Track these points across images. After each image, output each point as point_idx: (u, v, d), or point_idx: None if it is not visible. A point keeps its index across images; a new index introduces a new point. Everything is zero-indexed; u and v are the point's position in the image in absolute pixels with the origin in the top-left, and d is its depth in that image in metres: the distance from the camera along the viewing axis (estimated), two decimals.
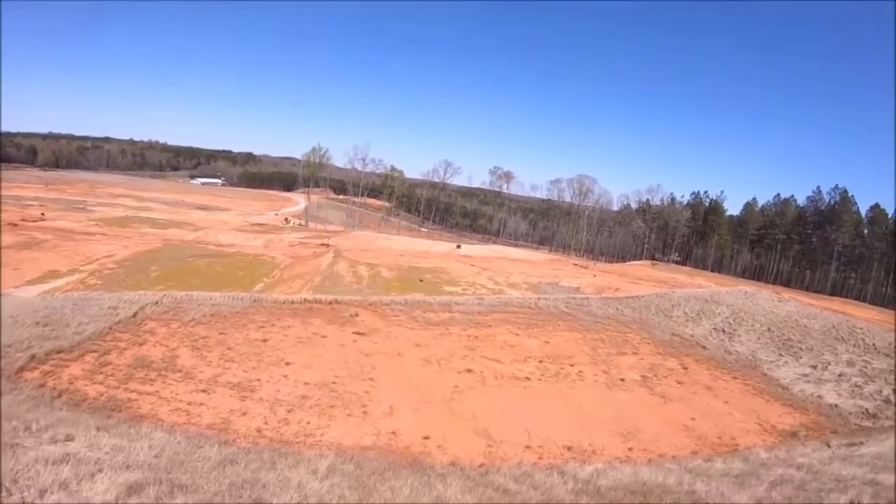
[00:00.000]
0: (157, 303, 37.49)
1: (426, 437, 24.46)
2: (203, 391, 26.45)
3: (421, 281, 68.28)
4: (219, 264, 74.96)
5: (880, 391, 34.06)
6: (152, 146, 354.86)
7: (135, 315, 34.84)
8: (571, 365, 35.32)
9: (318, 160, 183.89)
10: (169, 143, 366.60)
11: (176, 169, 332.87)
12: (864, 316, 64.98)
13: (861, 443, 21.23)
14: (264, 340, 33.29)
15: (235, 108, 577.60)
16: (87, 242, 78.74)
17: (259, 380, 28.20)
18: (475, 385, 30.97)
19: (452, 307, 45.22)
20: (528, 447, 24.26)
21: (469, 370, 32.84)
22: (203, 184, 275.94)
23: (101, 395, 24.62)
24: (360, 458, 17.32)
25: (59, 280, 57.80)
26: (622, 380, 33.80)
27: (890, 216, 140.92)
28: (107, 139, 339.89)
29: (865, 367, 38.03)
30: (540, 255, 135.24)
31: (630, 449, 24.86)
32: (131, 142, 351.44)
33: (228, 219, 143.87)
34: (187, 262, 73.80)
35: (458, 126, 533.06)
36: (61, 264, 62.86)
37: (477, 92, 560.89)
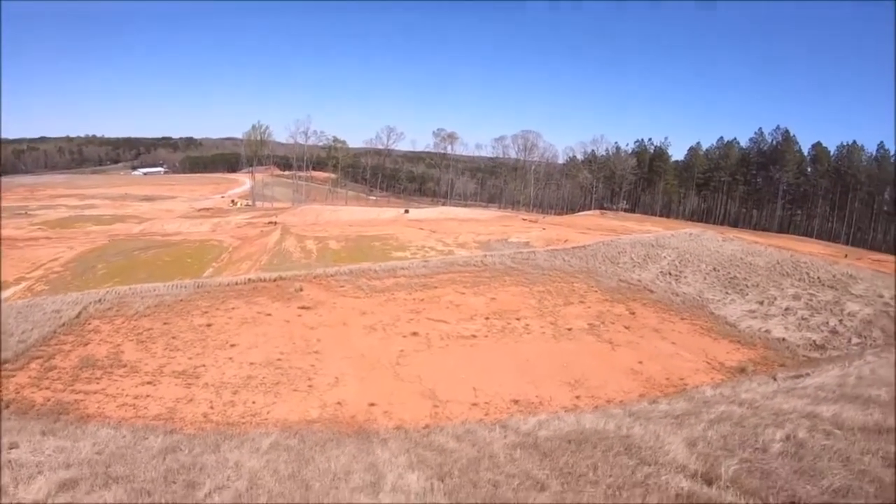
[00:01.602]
0: (100, 301, 36.27)
1: (372, 404, 24.07)
2: (149, 383, 25.71)
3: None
4: (166, 254, 72.71)
5: (826, 322, 34.43)
6: (90, 141, 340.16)
7: (78, 315, 33.68)
8: (518, 319, 35.00)
9: (258, 138, 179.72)
10: (107, 135, 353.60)
11: (116, 162, 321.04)
12: (808, 250, 66.17)
13: (807, 374, 20.97)
14: (209, 325, 32.54)
15: (170, 93, 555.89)
16: (31, 248, 75.53)
17: (204, 365, 27.52)
18: (421, 348, 30.51)
19: (398, 272, 44.63)
20: (474, 405, 23.94)
21: (415, 333, 32.34)
22: (145, 174, 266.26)
23: (48, 401, 23.82)
24: (305, 431, 17.28)
25: (8, 291, 55.28)
26: (569, 329, 33.56)
27: (831, 154, 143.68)
28: (42, 139, 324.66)
29: (811, 300, 38.43)
30: (489, 213, 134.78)
31: (577, 397, 24.59)
32: (68, 139, 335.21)
33: (174, 207, 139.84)
34: (133, 256, 71.30)
35: (397, 91, 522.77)
36: (7, 274, 60.05)
37: (413, 54, 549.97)
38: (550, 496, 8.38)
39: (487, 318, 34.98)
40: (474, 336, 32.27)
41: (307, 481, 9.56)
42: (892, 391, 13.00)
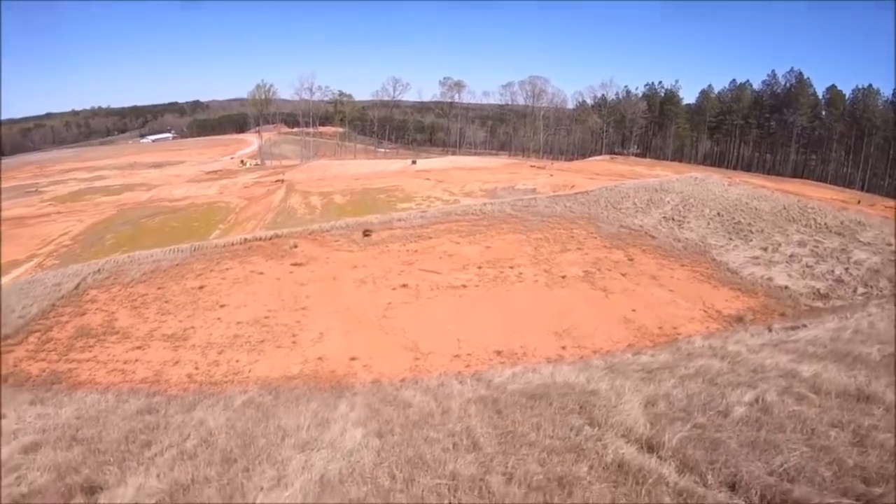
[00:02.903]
0: (98, 271, 36.11)
1: (353, 358, 23.71)
2: (138, 348, 25.74)
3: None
4: (173, 220, 72.65)
5: (832, 271, 33.26)
6: (96, 113, 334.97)
7: (77, 287, 33.58)
8: (511, 267, 34.25)
9: (263, 96, 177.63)
10: (113, 106, 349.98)
11: (124, 131, 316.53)
12: (820, 196, 64.81)
13: (803, 326, 20.20)
14: (201, 287, 32.32)
15: (173, 58, 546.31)
16: (42, 225, 75.53)
17: (193, 327, 27.46)
18: (409, 300, 29.96)
19: (394, 224, 43.94)
20: (456, 356, 23.40)
21: (404, 285, 31.77)
22: (154, 141, 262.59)
23: (43, 371, 23.99)
24: (282, 387, 17.19)
25: (19, 269, 55.13)
26: (563, 277, 32.74)
27: (847, 97, 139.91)
28: (48, 115, 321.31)
29: (817, 247, 37.24)
30: (497, 161, 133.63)
31: (563, 348, 23.90)
32: (73, 113, 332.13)
33: (183, 171, 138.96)
34: (141, 224, 71.20)
35: (401, 40, 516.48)
36: (18, 253, 60.07)
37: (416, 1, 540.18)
38: (476, 458, 7.90)
39: (480, 268, 34.24)
40: (464, 286, 31.59)
41: (255, 438, 9.55)
42: (886, 349, 12.22)
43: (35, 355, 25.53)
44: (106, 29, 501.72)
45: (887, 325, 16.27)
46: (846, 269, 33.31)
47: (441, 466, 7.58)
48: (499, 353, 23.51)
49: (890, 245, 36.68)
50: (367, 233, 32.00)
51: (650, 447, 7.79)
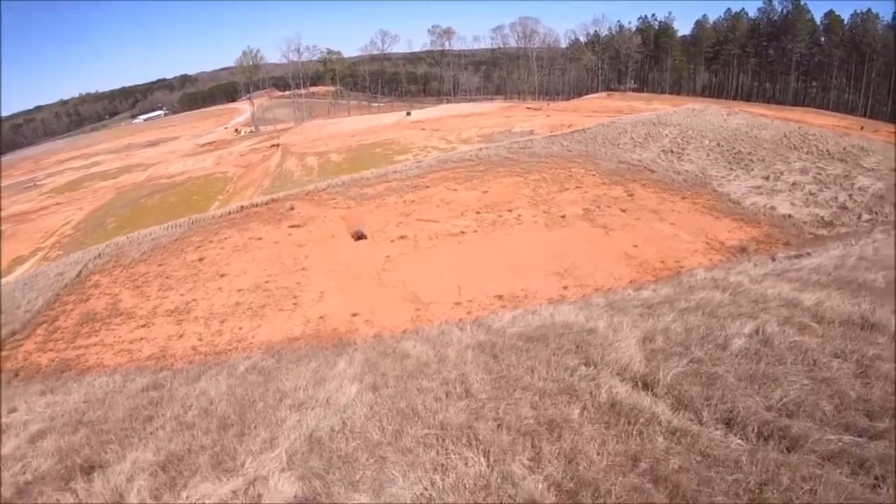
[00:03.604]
0: (99, 255, 36.08)
1: (354, 314, 23.72)
2: (143, 326, 25.83)
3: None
4: (172, 196, 72.53)
5: (835, 198, 32.76)
6: (84, 99, 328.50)
7: (79, 274, 33.55)
8: (510, 211, 33.93)
9: (251, 63, 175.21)
10: (101, 90, 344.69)
11: (115, 114, 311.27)
12: (822, 123, 63.74)
13: (807, 254, 20.01)
14: (200, 259, 32.29)
15: (156, 34, 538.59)
16: (43, 218, 75.68)
17: (195, 300, 27.50)
18: (407, 251, 29.79)
19: (389, 177, 43.62)
20: (457, 304, 23.30)
21: (402, 237, 31.56)
22: (146, 120, 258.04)
23: (53, 361, 24.06)
24: (285, 350, 17.37)
25: (25, 265, 55.23)
26: (562, 217, 32.43)
27: (845, 22, 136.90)
28: (37, 108, 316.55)
29: (819, 174, 36.63)
30: (493, 106, 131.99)
31: (565, 287, 23.74)
32: (62, 102, 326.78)
33: (178, 147, 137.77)
34: (140, 204, 71.16)
35: None
36: (23, 248, 60.26)
37: None
38: (468, 405, 7.78)
39: (478, 213, 33.95)
40: (463, 233, 31.38)
41: (254, 402, 9.52)
42: (890, 276, 11.89)
43: (43, 346, 25.57)
44: (85, 14, 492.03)
45: (892, 251, 15.86)
46: (850, 195, 32.80)
47: (432, 416, 7.51)
48: (500, 297, 23.38)
49: (894, 170, 35.99)
50: (358, 236, 30.89)
51: (645, 385, 7.58)
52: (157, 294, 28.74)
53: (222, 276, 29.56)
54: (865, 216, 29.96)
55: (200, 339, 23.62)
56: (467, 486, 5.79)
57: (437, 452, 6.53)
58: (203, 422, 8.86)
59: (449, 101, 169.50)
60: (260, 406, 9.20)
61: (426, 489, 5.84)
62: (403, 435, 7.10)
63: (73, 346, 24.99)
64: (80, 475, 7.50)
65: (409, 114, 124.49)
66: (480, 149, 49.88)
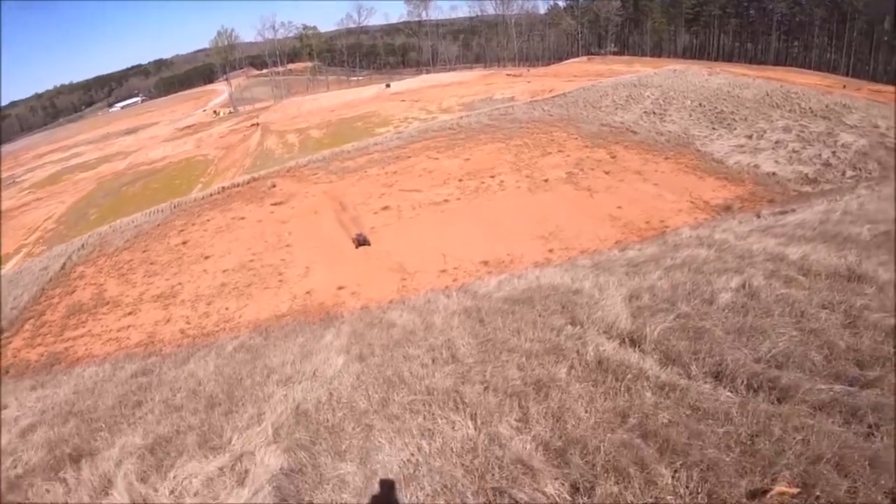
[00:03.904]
0: (82, 247, 35.82)
1: (340, 288, 23.64)
2: (130, 314, 25.66)
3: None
4: (153, 182, 71.27)
5: (819, 155, 32.62)
6: (59, 91, 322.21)
7: (63, 267, 33.26)
8: (492, 177, 33.79)
9: (226, 43, 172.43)
10: (75, 81, 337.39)
11: (91, 104, 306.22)
12: (802, 82, 63.52)
13: (793, 210, 19.99)
14: (184, 243, 32.18)
15: (127, 19, 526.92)
16: (25, 214, 74.30)
17: (180, 283, 27.40)
18: (391, 221, 29.65)
19: (371, 149, 43.53)
20: (443, 272, 23.22)
21: (386, 208, 31.41)
22: (123, 108, 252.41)
23: (42, 356, 23.86)
24: (273, 327, 17.46)
25: (10, 262, 54.25)
26: (546, 181, 32.29)
27: None
28: (12, 104, 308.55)
29: (802, 132, 36.42)
30: (472, 74, 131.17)
31: (550, 251, 23.68)
32: (37, 96, 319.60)
33: (157, 133, 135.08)
34: (122, 193, 69.92)
35: None
36: (6, 247, 58.90)
37: None
38: (454, 370, 7.78)
39: (461, 181, 33.79)
40: (446, 201, 31.22)
41: (241, 380, 9.58)
42: (875, 229, 11.88)
43: (32, 342, 25.38)
44: (53, 3, 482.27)
45: (877, 206, 15.86)
46: (833, 152, 32.69)
47: (418, 382, 7.51)
48: (485, 263, 23.32)
49: (877, 127, 35.95)
50: (360, 242, 28.59)
51: (632, 341, 7.54)
52: (143, 280, 28.57)
53: (207, 257, 29.42)
54: (849, 172, 29.92)
55: (188, 323, 23.53)
56: (454, 449, 5.79)
57: (424, 418, 6.53)
58: (191, 403, 8.88)
59: (428, 72, 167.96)
60: (247, 383, 9.20)
61: (413, 455, 5.84)
62: (390, 402, 7.10)
63: (61, 339, 24.83)
64: (68, 464, 7.48)
65: (388, 86, 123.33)
66: (461, 117, 49.72)
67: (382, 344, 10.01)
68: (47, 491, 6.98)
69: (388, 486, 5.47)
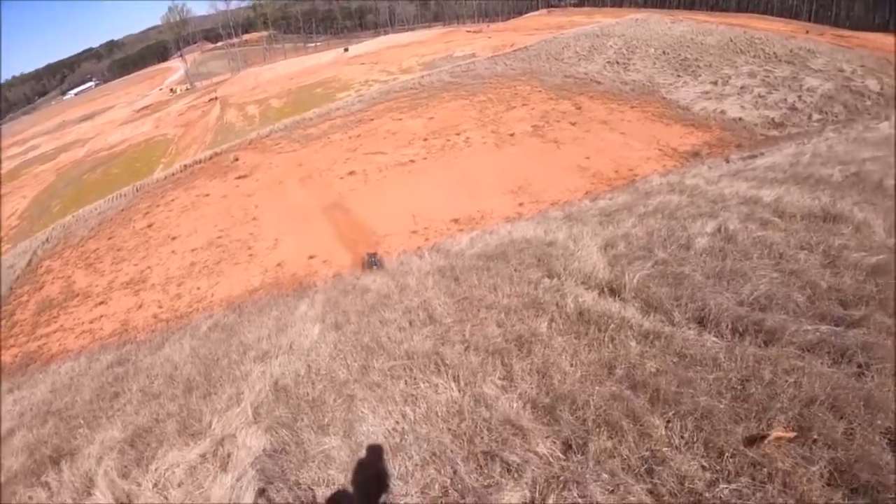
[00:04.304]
0: (46, 240, 35.03)
1: (311, 257, 23.37)
2: (101, 304, 25.09)
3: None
4: (114, 167, 69.01)
5: (785, 99, 32.71)
6: (10, 84, 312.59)
7: (29, 263, 32.49)
8: (457, 134, 33.50)
9: (178, 18, 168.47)
10: (25, 72, 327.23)
11: (44, 94, 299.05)
12: (765, 27, 63.51)
13: (761, 154, 20.13)
14: (150, 226, 31.56)
15: (76, 3, 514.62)
16: None
17: (149, 267, 26.85)
18: (357, 186, 29.27)
19: (333, 114, 43.08)
20: (413, 232, 23.07)
21: (352, 172, 30.97)
22: (77, 94, 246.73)
23: (16, 357, 23.27)
24: (246, 303, 17.31)
25: None
26: (512, 135, 32.09)
27: None
28: None
29: (768, 77, 36.47)
30: (432, 33, 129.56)
31: (521, 205, 23.57)
32: None
33: (114, 116, 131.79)
34: (83, 181, 67.73)
35: None
36: None
37: None
38: (433, 331, 7.60)
39: (426, 140, 33.51)
40: (412, 161, 30.96)
41: (218, 360, 9.33)
42: (846, 170, 11.95)
43: (4, 343, 24.79)
44: None
45: (846, 148, 15.98)
46: (799, 96, 32.79)
47: (396, 347, 7.34)
48: (456, 221, 23.19)
49: (842, 71, 36.05)
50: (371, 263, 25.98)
51: (611, 291, 7.44)
52: (111, 268, 27.99)
53: (174, 238, 28.96)
54: (816, 116, 30.04)
55: (160, 307, 23.15)
56: (440, 413, 5.67)
57: (406, 383, 6.39)
58: (169, 389, 8.68)
59: (387, 33, 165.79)
60: (224, 363, 8.98)
61: (398, 423, 5.72)
62: (370, 370, 6.93)
63: (34, 338, 24.31)
64: (49, 466, 7.24)
65: (346, 50, 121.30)
66: (422, 76, 49.26)
67: (357, 310, 9.81)
68: (30, 498, 6.76)
69: (375, 458, 5.35)
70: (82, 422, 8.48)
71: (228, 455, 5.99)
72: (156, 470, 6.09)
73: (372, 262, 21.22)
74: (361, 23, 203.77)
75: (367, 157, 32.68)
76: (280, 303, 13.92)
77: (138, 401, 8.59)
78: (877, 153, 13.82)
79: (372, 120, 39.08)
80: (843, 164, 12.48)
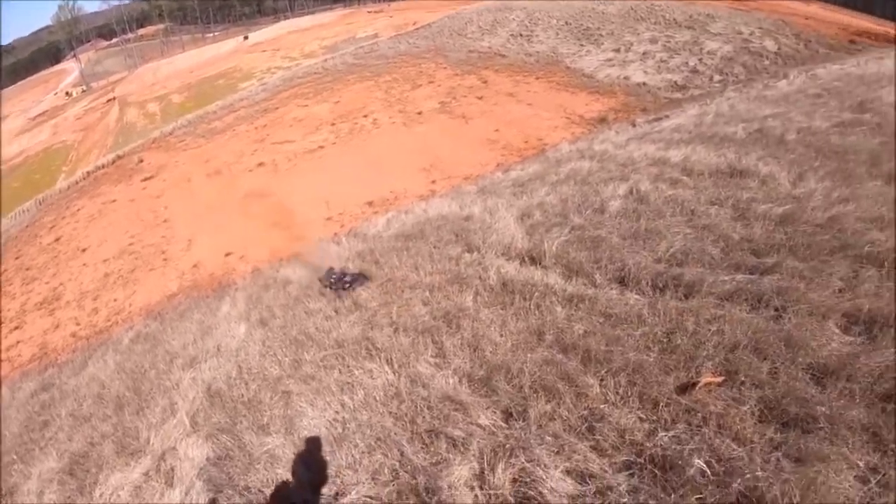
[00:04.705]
0: None
1: (228, 254, 22.66)
2: (16, 328, 23.61)
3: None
4: (13, 181, 65.50)
5: (686, 63, 33.41)
6: None
7: None
8: (365, 116, 33.22)
9: (70, 16, 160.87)
10: None
11: None
12: None
13: (666, 116, 20.67)
14: (57, 240, 30.10)
15: None
16: None
17: (62, 284, 25.50)
18: (267, 176, 28.75)
19: (237, 105, 42.31)
20: (328, 219, 22.67)
21: (260, 164, 30.39)
22: None
23: None
24: (166, 309, 16.61)
25: None
26: (419, 113, 32.02)
27: None
28: None
29: (669, 42, 37.23)
30: (333, 15, 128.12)
31: (433, 182, 23.52)
32: None
33: (8, 127, 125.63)
34: None
35: None
36: None
37: None
38: (360, 317, 7.70)
39: (334, 124, 33.09)
40: (321, 147, 30.52)
41: (146, 371, 9.26)
42: (749, 127, 12.45)
43: None
44: None
45: (747, 106, 16.50)
46: (700, 59, 33.58)
47: (326, 336, 7.39)
48: (370, 204, 22.97)
49: (740, 34, 37.13)
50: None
51: (532, 259, 7.61)
52: (22, 290, 26.56)
53: (84, 250, 27.65)
54: (717, 77, 30.79)
55: (78, 324, 21.97)
56: (378, 398, 5.72)
57: (340, 372, 6.44)
58: (99, 409, 8.50)
59: (287, 18, 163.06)
60: (152, 374, 8.87)
61: (337, 413, 5.75)
62: (302, 363, 6.99)
63: None
64: None
65: (246, 38, 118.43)
66: (326, 60, 48.78)
67: (281, 304, 9.85)
68: None
69: (320, 451, 5.36)
70: (15, 457, 8.25)
71: (172, 469, 5.93)
72: (101, 496, 6.02)
73: (336, 282, 11.65)
74: (260, 9, 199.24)
75: (275, 146, 32.10)
76: (201, 305, 13.70)
77: (70, 426, 8.44)
78: (776, 109, 14.39)
79: (277, 108, 38.43)
80: (746, 122, 12.98)
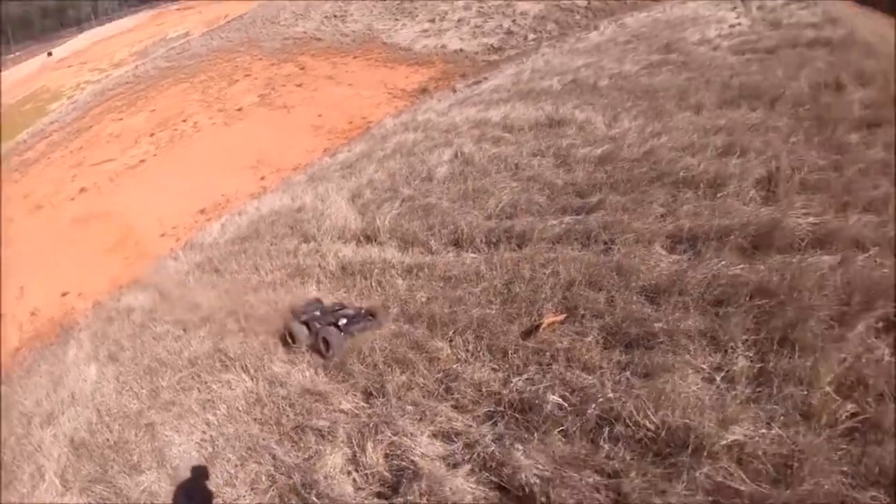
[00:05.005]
0: None
1: (64, 294, 20.86)
2: None
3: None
4: None
5: (500, 25, 33.76)
6: None
7: None
8: (184, 121, 31.94)
9: None
10: None
11: None
12: None
13: (485, 79, 21.13)
14: None
15: None
16: None
17: None
18: (91, 201, 26.98)
19: (48, 130, 39.49)
20: (162, 235, 21.44)
21: (82, 190, 28.37)
22: None
23: None
24: (11, 367, 15.13)
25: None
26: (239, 109, 31.17)
27: None
28: None
29: (482, 7, 37.39)
30: (141, 17, 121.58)
31: (263, 178, 22.85)
32: None
33: None
34: None
35: None
36: None
37: None
38: (208, 331, 7.71)
39: (153, 135, 31.61)
40: (143, 161, 29.07)
41: (5, 441, 8.60)
42: (564, 79, 12.93)
43: None
44: None
45: (561, 60, 17.23)
46: (513, 21, 34.02)
47: (178, 357, 7.35)
48: (202, 212, 22.05)
49: None
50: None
51: (367, 238, 7.82)
52: None
53: None
54: (531, 36, 31.29)
55: None
56: (241, 408, 5.77)
57: (199, 391, 6.43)
58: None
59: (92, 28, 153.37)
60: (12, 441, 8.39)
61: (204, 432, 5.75)
62: (160, 390, 6.89)
63: None
64: None
65: (50, 54, 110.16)
66: (137, 66, 46.62)
67: (128, 334, 9.59)
68: None
69: (196, 476, 5.28)
70: None
71: None
72: None
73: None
74: (63, 21, 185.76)
75: (94, 168, 30.24)
76: (47, 355, 12.98)
77: None
78: (589, 60, 15.10)
79: (91, 127, 36.15)
80: (560, 75, 13.59)
